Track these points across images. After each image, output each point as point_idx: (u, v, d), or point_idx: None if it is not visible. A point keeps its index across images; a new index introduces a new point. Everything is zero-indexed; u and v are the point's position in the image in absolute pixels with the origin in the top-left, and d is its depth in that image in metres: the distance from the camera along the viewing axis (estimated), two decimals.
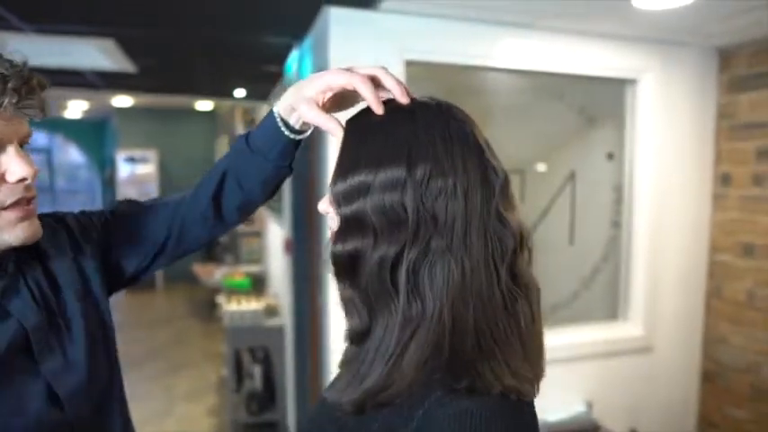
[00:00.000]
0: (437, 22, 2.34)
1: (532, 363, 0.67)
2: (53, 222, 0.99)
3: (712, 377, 2.91)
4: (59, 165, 9.96)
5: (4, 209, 0.80)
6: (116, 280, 1.06)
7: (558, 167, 2.74)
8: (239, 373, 4.07)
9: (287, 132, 0.91)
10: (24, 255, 0.89)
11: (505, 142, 2.63)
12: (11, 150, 0.79)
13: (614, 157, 2.80)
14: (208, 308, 6.45)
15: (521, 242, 0.68)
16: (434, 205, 0.62)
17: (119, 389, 1.01)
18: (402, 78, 2.30)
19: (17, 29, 2.76)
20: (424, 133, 0.65)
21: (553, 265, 2.78)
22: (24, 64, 0.80)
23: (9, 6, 2.44)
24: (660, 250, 2.79)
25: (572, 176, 2.74)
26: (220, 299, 4.91)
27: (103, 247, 1.03)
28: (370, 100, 0.69)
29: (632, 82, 2.73)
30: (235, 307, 4.05)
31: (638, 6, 2.13)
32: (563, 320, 2.76)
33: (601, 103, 2.76)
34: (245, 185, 1.02)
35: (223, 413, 4.13)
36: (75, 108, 7.27)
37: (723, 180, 2.83)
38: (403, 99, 0.70)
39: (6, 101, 0.76)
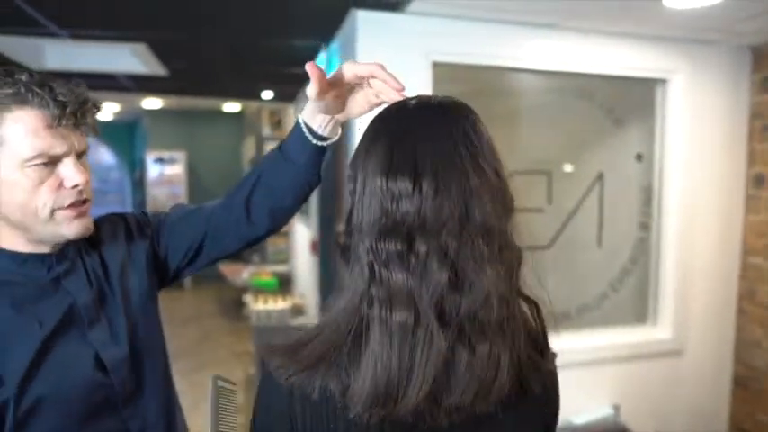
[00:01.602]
0: (464, 23, 2.34)
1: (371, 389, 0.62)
2: (116, 218, 1.17)
3: (745, 382, 2.86)
4: (91, 166, 10.13)
5: (63, 209, 0.96)
6: (164, 276, 1.20)
7: (586, 168, 2.72)
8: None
9: (311, 139, 1.01)
10: (85, 244, 1.07)
11: (533, 143, 2.63)
12: (68, 161, 0.95)
13: (643, 158, 2.77)
14: (235, 307, 6.53)
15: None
16: (349, 205, 0.69)
17: (161, 365, 1.14)
18: (429, 80, 2.33)
19: (55, 35, 2.85)
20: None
21: (581, 267, 2.76)
22: (83, 89, 0.97)
23: (48, 14, 2.52)
24: (690, 252, 2.75)
25: (600, 177, 2.72)
26: (247, 298, 4.97)
27: (155, 245, 1.18)
28: (389, 80, 0.82)
29: (662, 82, 2.70)
30: (262, 306, 4.11)
31: (668, 5, 2.10)
32: (591, 323, 2.74)
33: (630, 103, 2.73)
34: (277, 191, 1.11)
35: (250, 412, 4.18)
36: (107, 110, 7.41)
37: (756, 181, 2.77)
38: (397, 90, 0.80)
39: (64, 122, 0.93)
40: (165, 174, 8.15)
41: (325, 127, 1.00)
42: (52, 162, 0.94)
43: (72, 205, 0.97)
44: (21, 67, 0.95)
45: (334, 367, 0.64)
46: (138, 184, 8.55)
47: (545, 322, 0.74)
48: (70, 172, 0.95)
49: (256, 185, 1.12)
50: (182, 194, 8.08)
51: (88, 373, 0.99)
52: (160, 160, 8.13)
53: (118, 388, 1.02)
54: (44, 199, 0.94)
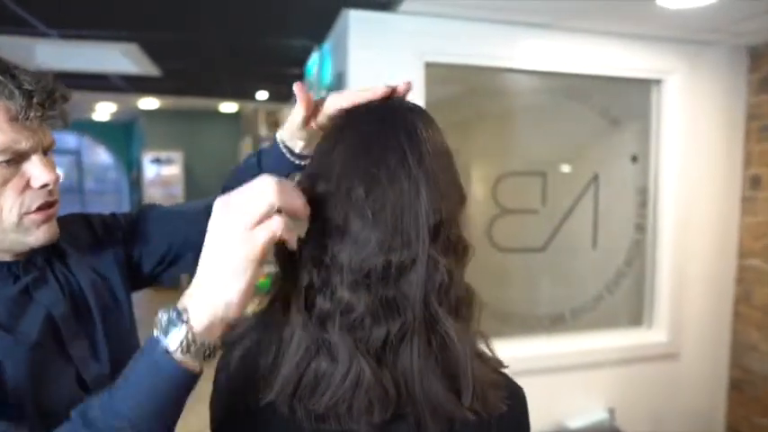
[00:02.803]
0: (457, 23, 2.32)
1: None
2: (78, 222, 1.05)
3: (741, 385, 2.83)
4: (88, 166, 10.13)
5: (30, 212, 0.85)
6: (138, 278, 1.12)
7: (581, 170, 2.70)
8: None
9: (291, 158, 0.95)
10: (51, 251, 0.96)
11: (527, 144, 2.61)
12: (35, 159, 0.84)
13: (638, 159, 2.74)
14: None
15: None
16: None
17: None
18: (422, 80, 2.30)
19: (44, 35, 2.82)
20: None
21: (576, 269, 2.74)
22: (49, 77, 0.85)
23: (36, 13, 2.50)
24: (686, 254, 2.73)
25: (595, 179, 2.69)
26: None
27: (127, 247, 1.09)
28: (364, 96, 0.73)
29: (657, 82, 2.67)
30: (256, 307, 4.08)
31: (663, 5, 2.08)
32: (586, 325, 2.72)
33: (625, 104, 2.71)
34: None
35: None
36: (103, 110, 7.38)
37: (753, 182, 2.75)
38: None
39: (32, 114, 0.81)
40: (162, 174, 8.10)
41: (306, 147, 0.92)
42: (17, 159, 0.83)
43: (40, 208, 0.86)
44: None
45: (240, 347, 0.70)
46: (136, 184, 8.52)
47: (465, 360, 0.62)
48: (38, 170, 0.84)
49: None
50: (179, 195, 8.05)
51: (72, 393, 0.88)
52: (157, 160, 8.09)
53: None
54: (10, 202, 0.83)
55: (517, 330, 2.62)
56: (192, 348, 0.55)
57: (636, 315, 2.82)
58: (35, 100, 0.81)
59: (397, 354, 0.61)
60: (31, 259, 0.92)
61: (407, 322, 0.61)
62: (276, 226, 0.55)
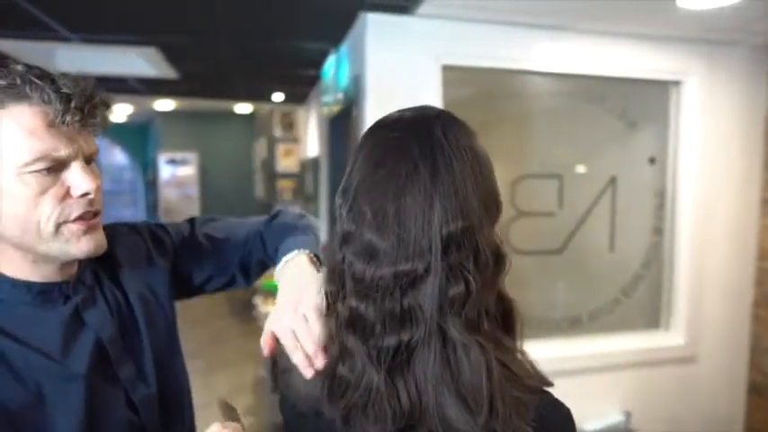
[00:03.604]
0: (474, 26, 2.32)
1: None
2: (128, 232, 1.02)
3: (760, 389, 2.80)
4: (104, 167, 10.23)
5: (70, 222, 0.81)
6: (181, 292, 1.10)
7: (598, 172, 2.68)
8: (275, 373, 4.10)
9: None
10: (98, 265, 0.93)
11: (544, 146, 2.60)
12: (75, 166, 0.80)
13: (657, 161, 2.73)
14: (246, 308, 6.55)
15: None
16: None
17: (187, 396, 1.04)
18: (439, 83, 2.31)
19: (65, 39, 2.87)
20: None
21: (593, 272, 2.73)
22: (89, 81, 0.81)
23: (57, 18, 2.54)
24: (705, 257, 2.70)
25: (612, 181, 2.68)
26: (257, 300, 4.98)
27: (177, 263, 1.07)
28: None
29: (676, 84, 2.65)
30: (270, 308, 4.11)
31: (682, 5, 2.06)
32: (602, 328, 2.71)
33: (643, 106, 2.69)
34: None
35: (260, 413, 4.18)
36: (120, 112, 7.47)
37: None
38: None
39: (69, 118, 0.77)
40: (178, 175, 8.19)
41: None
42: (56, 167, 0.79)
43: (80, 218, 0.81)
44: (16, 62, 0.81)
45: None
46: (151, 184, 8.61)
47: (480, 377, 0.60)
48: (78, 178, 0.80)
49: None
50: (194, 195, 8.13)
51: (122, 416, 0.86)
52: (172, 161, 8.17)
53: (148, 428, 0.90)
54: (48, 211, 0.78)
55: (534, 333, 2.61)
56: None
57: (653, 318, 2.80)
58: (73, 104, 0.77)
59: (409, 365, 0.61)
60: (80, 277, 0.89)
61: (419, 333, 0.60)
62: None
